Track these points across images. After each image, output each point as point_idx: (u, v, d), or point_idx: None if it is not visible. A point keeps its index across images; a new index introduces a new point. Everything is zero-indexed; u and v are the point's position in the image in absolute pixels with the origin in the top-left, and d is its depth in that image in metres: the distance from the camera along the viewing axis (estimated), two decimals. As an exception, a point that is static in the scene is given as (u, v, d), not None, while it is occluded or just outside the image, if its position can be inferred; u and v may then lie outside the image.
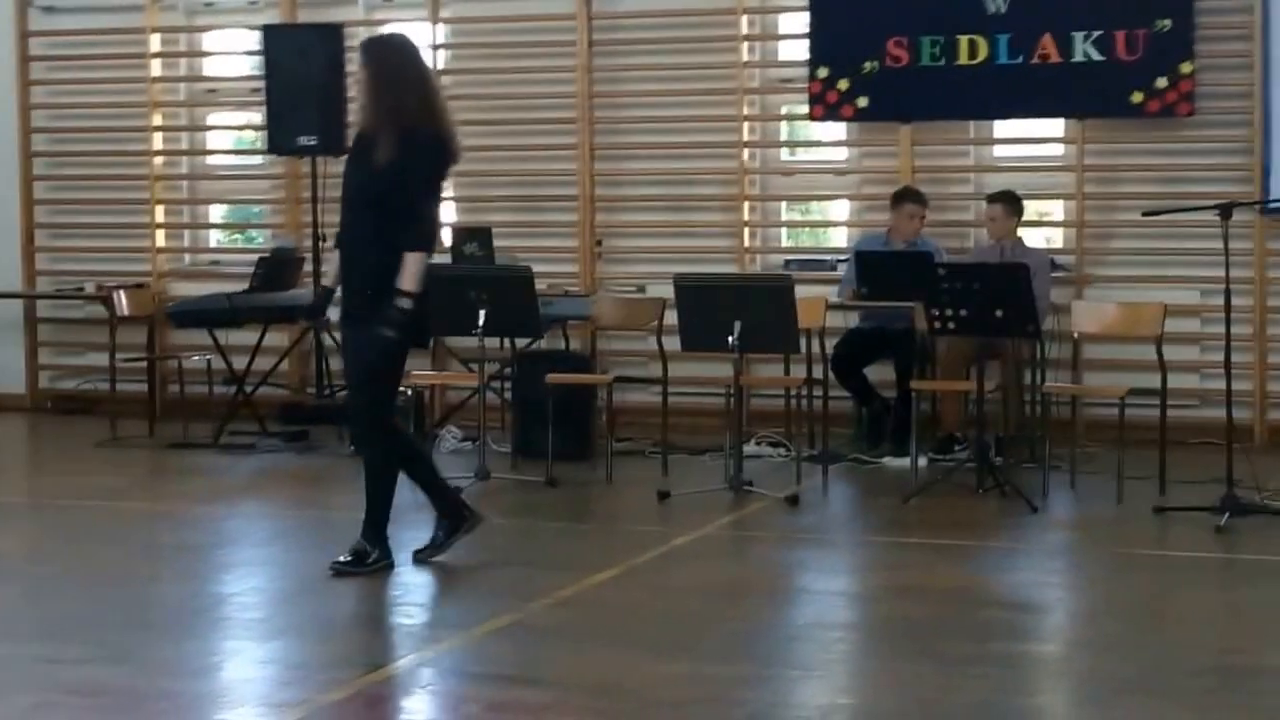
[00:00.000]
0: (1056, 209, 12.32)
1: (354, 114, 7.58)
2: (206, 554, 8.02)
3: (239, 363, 11.94)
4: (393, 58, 7.35)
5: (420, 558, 7.47)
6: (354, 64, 7.45)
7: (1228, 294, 8.75)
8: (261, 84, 12.00)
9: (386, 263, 7.15)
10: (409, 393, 10.62)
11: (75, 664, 5.77)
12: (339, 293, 7.44)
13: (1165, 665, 5.86)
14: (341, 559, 7.25)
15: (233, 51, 13.75)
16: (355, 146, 7.46)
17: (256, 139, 13.49)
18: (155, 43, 13.48)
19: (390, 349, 7.26)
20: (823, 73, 11.93)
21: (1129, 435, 9.47)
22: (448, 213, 12.92)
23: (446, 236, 12.22)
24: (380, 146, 7.17)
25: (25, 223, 13.73)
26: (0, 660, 5.88)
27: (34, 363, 13.84)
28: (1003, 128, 12.17)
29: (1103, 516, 9.06)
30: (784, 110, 12.77)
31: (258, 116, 12.89)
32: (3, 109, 13.61)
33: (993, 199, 10.94)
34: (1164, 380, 9.60)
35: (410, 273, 7.16)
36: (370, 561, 7.26)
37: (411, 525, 7.67)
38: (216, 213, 14.19)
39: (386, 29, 13.12)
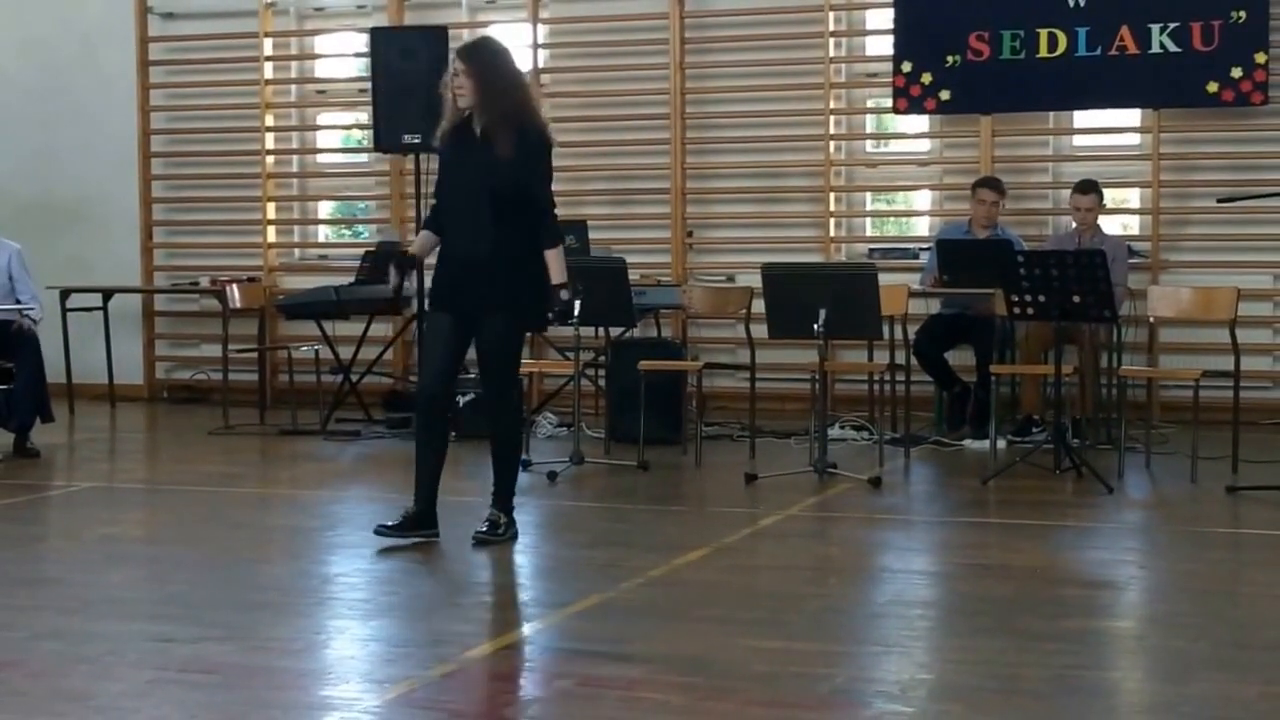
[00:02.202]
0: (1133, 197, 12.41)
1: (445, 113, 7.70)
2: (314, 536, 8.11)
3: (345, 353, 12.12)
4: (497, 59, 7.53)
5: (382, 532, 7.55)
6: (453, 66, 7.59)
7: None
8: (368, 84, 12.12)
9: (519, 257, 7.44)
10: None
11: (188, 642, 5.82)
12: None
13: (1237, 641, 5.87)
14: (480, 529, 7.53)
15: (341, 54, 14.04)
16: (459, 141, 7.54)
17: (363, 137, 13.69)
18: (268, 47, 13.80)
19: (518, 336, 7.63)
20: (906, 67, 12.12)
21: (1203, 417, 9.51)
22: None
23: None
24: (499, 143, 7.36)
25: (144, 220, 14.09)
26: (118, 638, 5.94)
27: (151, 354, 14.19)
28: (1081, 118, 12.30)
29: (1177, 496, 9.10)
30: (869, 104, 12.93)
31: (365, 116, 13.09)
32: (124, 111, 13.97)
33: (1087, 189, 10.92)
34: (1237, 363, 9.64)
35: (557, 267, 7.49)
36: (500, 531, 7.55)
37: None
38: (325, 209, 14.47)
39: (487, 31, 13.50)
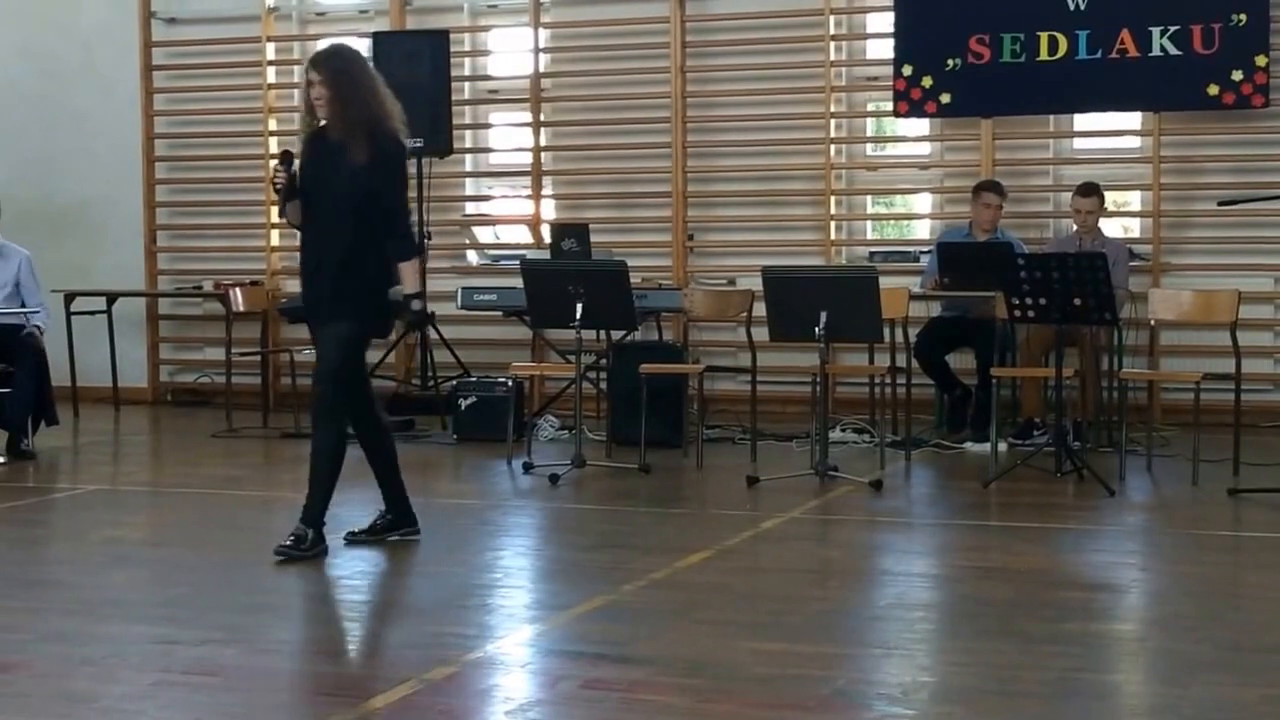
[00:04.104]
0: (1134, 199, 12.44)
1: (302, 123, 7.63)
2: (317, 539, 8.18)
3: (347, 356, 12.22)
4: (348, 67, 7.44)
5: (352, 539, 7.63)
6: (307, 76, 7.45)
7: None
8: (370, 89, 12.20)
9: (365, 266, 7.40)
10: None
11: (192, 645, 5.83)
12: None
13: (1239, 644, 5.88)
14: (284, 543, 7.33)
15: (343, 59, 14.12)
16: (316, 150, 7.47)
17: (364, 141, 13.81)
18: (270, 51, 13.84)
19: (356, 342, 7.51)
20: (907, 70, 12.13)
21: (1204, 419, 9.49)
22: (547, 210, 13.29)
23: (546, 234, 12.57)
24: (353, 151, 7.30)
25: (147, 224, 14.13)
26: (122, 640, 5.95)
27: (155, 358, 14.24)
28: (1081, 121, 12.30)
29: (1178, 499, 9.10)
30: (869, 107, 12.96)
31: (366, 120, 13.22)
32: (128, 116, 14.01)
33: (1088, 192, 10.92)
34: (1238, 365, 9.65)
35: (411, 279, 7.51)
36: (306, 546, 7.32)
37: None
38: (326, 212, 14.56)
39: (487, 35, 13.54)
